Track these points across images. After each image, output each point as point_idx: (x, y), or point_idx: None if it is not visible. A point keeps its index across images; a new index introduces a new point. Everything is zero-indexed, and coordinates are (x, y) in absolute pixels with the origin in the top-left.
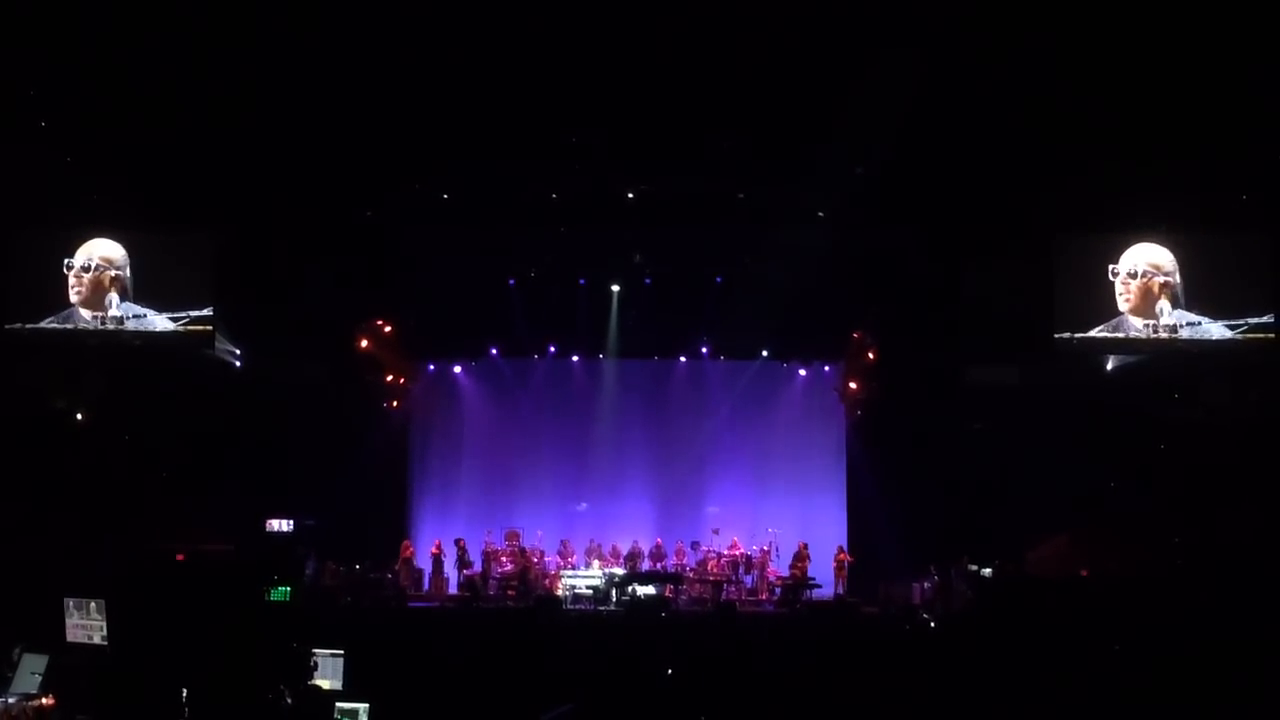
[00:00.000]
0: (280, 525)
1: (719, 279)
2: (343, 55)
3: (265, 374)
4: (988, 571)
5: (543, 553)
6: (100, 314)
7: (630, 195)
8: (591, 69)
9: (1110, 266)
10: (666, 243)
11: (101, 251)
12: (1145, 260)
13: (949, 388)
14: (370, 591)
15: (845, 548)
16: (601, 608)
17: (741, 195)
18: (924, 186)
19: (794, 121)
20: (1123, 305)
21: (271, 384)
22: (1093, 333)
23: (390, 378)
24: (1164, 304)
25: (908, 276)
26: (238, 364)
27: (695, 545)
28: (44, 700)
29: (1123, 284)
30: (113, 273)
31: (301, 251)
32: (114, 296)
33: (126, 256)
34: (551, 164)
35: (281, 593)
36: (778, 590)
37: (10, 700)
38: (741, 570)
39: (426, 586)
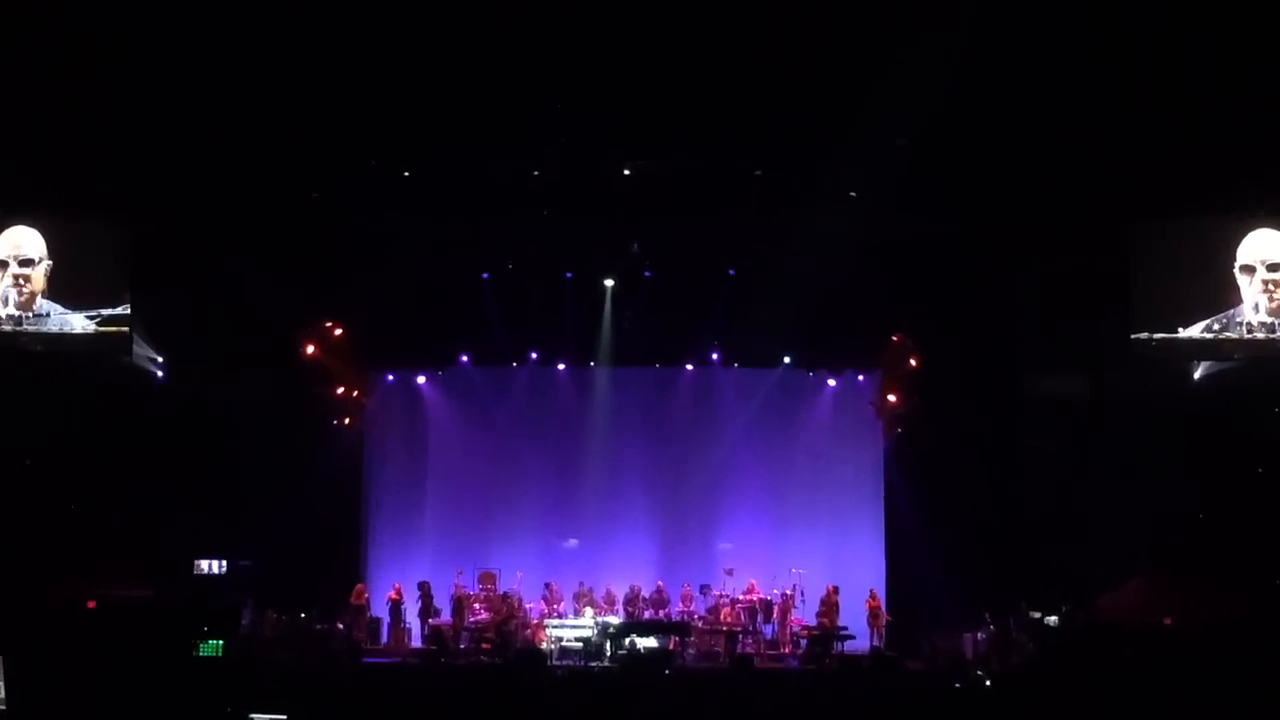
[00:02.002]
0: (211, 566)
1: (732, 272)
2: (280, 8)
3: (193, 386)
4: (1053, 619)
5: (523, 598)
6: None
7: (626, 173)
8: (578, 20)
9: (1235, 257)
10: (669, 229)
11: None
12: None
13: (1006, 400)
14: (317, 645)
15: (883, 592)
16: (594, 663)
17: (759, 173)
18: (976, 163)
19: (821, 83)
20: (1259, 302)
21: (200, 398)
22: (1186, 332)
23: (341, 390)
24: None
25: (956, 269)
26: (160, 374)
27: (705, 589)
28: None
29: (1262, 280)
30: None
31: (235, 242)
32: (11, 292)
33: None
34: (532, 135)
35: (212, 647)
36: (803, 642)
37: None
38: (760, 619)
39: (385, 639)
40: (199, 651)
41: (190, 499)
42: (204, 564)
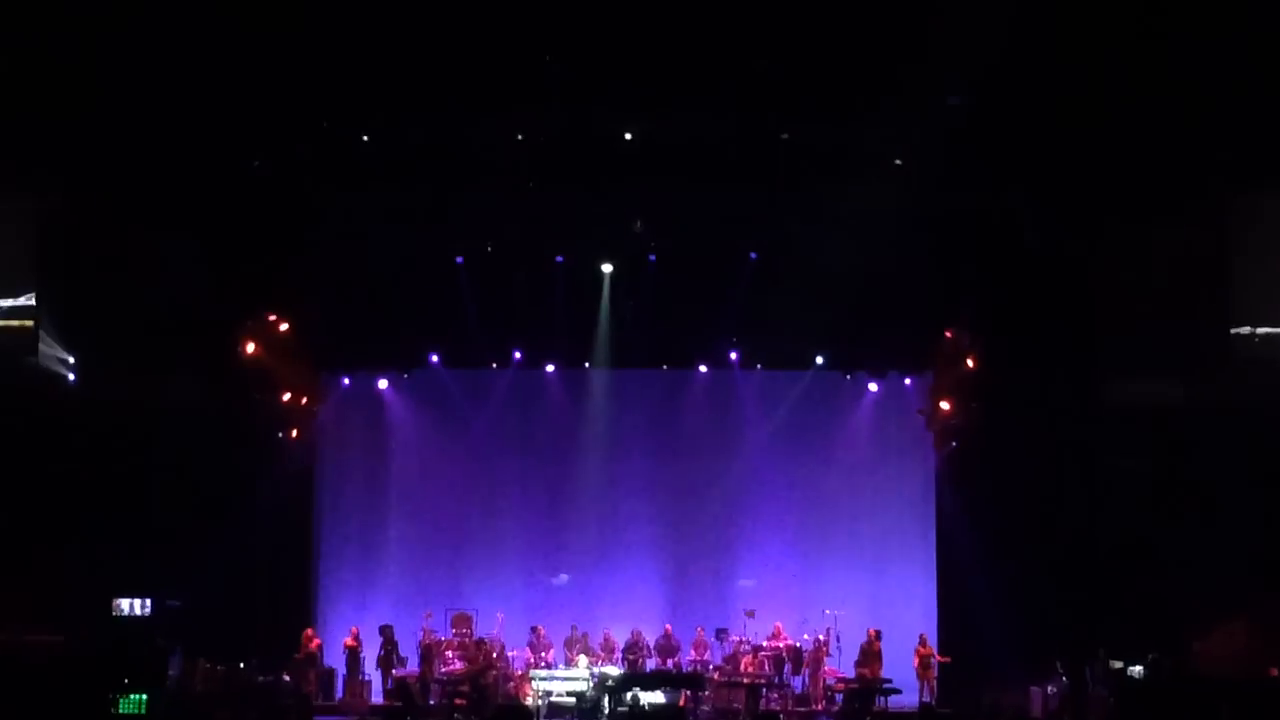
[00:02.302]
0: (133, 606)
1: (754, 255)
2: None
3: (111, 392)
4: (1137, 670)
5: (504, 645)
6: None
7: (628, 136)
8: None
9: None
10: (680, 204)
11: None
12: None
13: (1082, 408)
14: (259, 701)
15: (934, 637)
16: None
17: (786, 136)
18: (1045, 125)
19: (861, 27)
20: None
21: (121, 406)
22: None
23: (288, 397)
24: None
25: (1022, 252)
26: (72, 376)
27: (722, 634)
28: None
29: None
30: None
31: (160, 221)
32: None
33: None
34: (516, 92)
35: (134, 703)
36: (838, 698)
37: None
38: (788, 670)
39: (340, 694)
40: (118, 708)
41: (108, 526)
42: (125, 603)
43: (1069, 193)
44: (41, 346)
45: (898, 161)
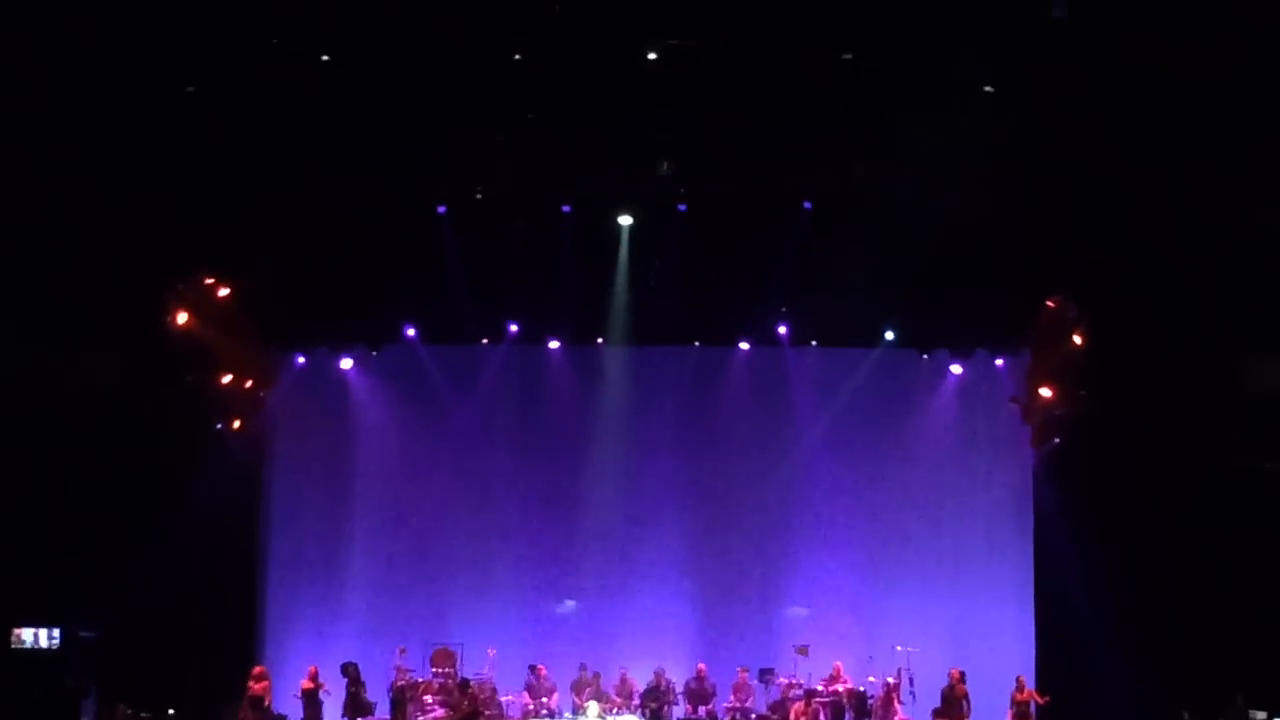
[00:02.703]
0: (37, 637)
1: (809, 205)
2: None
3: (9, 372)
4: None
5: (497, 688)
6: None
7: (652, 56)
8: None
9: None
10: (717, 140)
11: None
12: None
13: (1215, 398)
14: None
15: (1032, 679)
16: None
17: (849, 57)
18: (1172, 44)
19: None
20: None
21: (20, 390)
22: None
23: (229, 378)
24: None
25: (1144, 205)
26: None
27: (767, 676)
28: None
29: None
30: None
31: (71, 163)
32: None
33: None
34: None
35: None
36: None
37: None
38: (850, 719)
39: None
40: None
41: (6, 538)
42: (27, 634)
43: (1203, 129)
44: None
45: (988, 88)
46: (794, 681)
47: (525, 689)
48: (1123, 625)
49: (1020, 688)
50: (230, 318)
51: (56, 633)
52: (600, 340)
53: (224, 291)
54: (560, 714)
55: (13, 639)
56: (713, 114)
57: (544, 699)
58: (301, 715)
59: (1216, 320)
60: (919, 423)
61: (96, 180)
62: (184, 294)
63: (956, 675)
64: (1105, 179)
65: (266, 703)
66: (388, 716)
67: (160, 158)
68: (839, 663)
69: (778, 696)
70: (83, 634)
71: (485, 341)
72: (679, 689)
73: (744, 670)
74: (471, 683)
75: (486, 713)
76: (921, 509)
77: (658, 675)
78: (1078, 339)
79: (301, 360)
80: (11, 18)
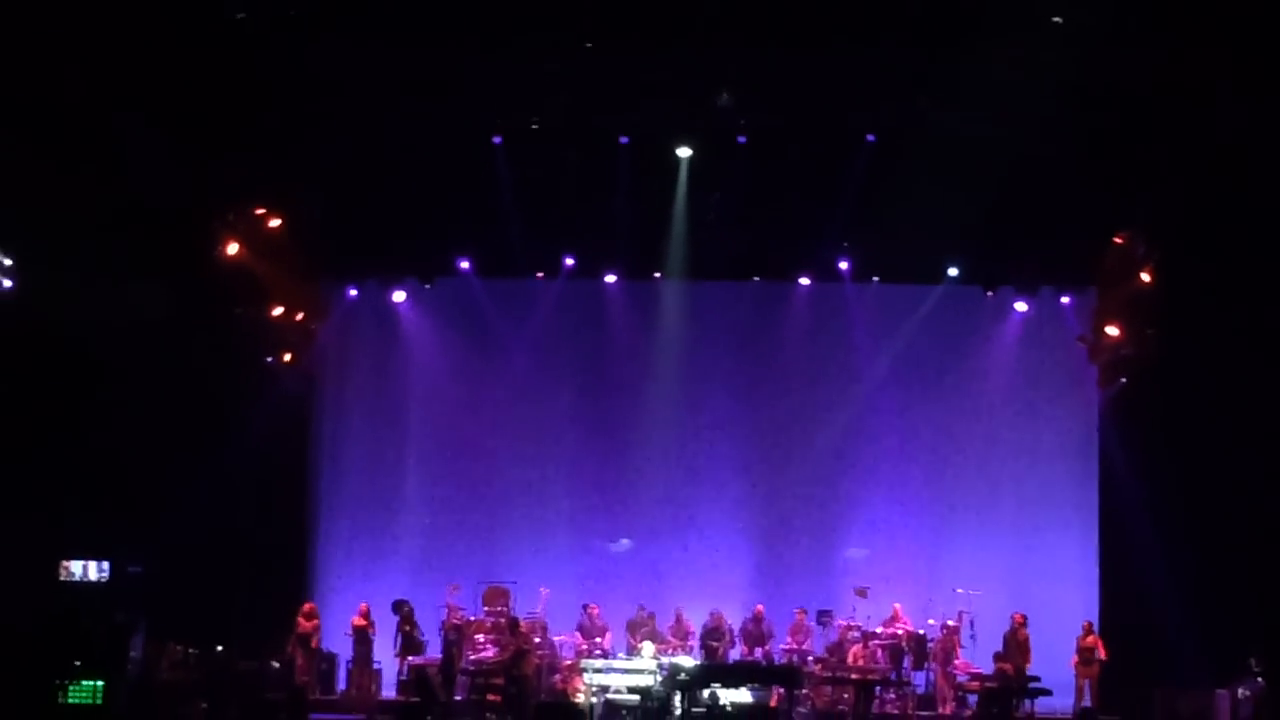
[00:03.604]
0: (86, 571)
1: (872, 138)
2: None
3: (56, 303)
4: None
5: (549, 627)
6: None
7: None
8: None
9: None
10: (778, 70)
11: None
12: None
13: None
14: (242, 693)
15: (1096, 626)
16: None
17: None
18: None
19: None
20: None
21: (70, 322)
22: None
23: (280, 311)
24: None
25: (1217, 137)
26: (8, 284)
27: (825, 618)
28: None
29: None
30: None
31: (117, 90)
32: None
33: None
34: None
35: (87, 690)
36: (972, 700)
37: None
38: (908, 663)
39: (343, 685)
40: (67, 697)
41: (56, 470)
42: (75, 567)
43: (1277, 58)
44: None
45: (1056, 19)
46: (852, 624)
47: (578, 629)
48: (1190, 569)
49: (1086, 632)
50: (281, 249)
51: (105, 566)
52: (658, 275)
53: (275, 222)
54: (614, 654)
55: (62, 572)
56: (774, 44)
57: (597, 639)
58: (351, 653)
59: None
60: (982, 361)
61: (146, 110)
62: (234, 224)
63: (1018, 619)
64: (1175, 112)
65: (316, 640)
66: (439, 655)
67: (210, 86)
68: (898, 605)
69: (835, 639)
70: (131, 568)
71: (540, 274)
72: (736, 630)
73: (802, 612)
74: (522, 622)
75: (537, 653)
76: (983, 449)
77: (715, 616)
78: (1146, 276)
79: (353, 293)
80: None
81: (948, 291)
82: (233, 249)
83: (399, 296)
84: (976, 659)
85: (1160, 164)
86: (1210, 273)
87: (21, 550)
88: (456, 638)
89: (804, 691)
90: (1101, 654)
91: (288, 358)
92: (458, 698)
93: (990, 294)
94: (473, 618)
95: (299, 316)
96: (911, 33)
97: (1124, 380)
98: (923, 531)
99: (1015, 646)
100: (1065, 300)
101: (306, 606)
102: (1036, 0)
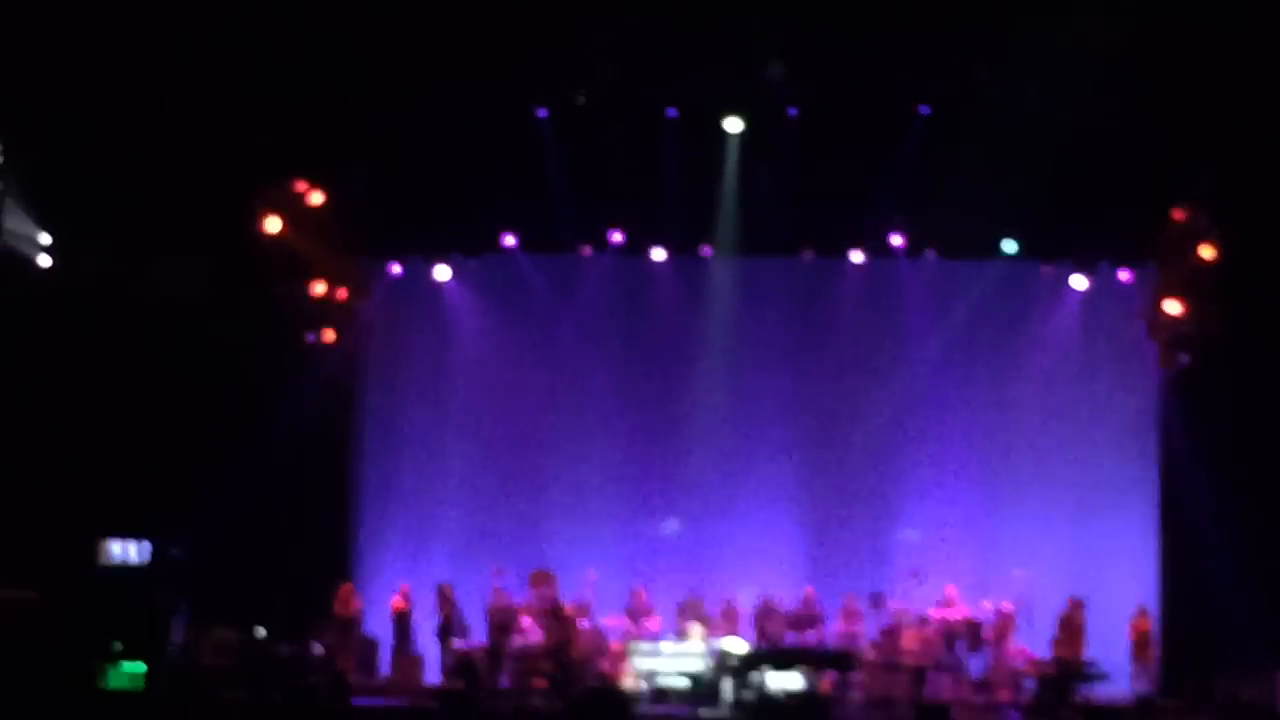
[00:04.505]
0: (126, 552)
1: (926, 110)
2: None
3: (92, 279)
4: None
5: (596, 611)
6: None
7: None
8: None
9: None
10: (830, 41)
11: None
12: None
13: None
14: (283, 677)
15: (1156, 609)
16: (705, 711)
17: None
18: None
19: None
20: None
21: (106, 298)
22: None
23: (322, 289)
24: None
25: (1277, 112)
26: (42, 259)
27: (878, 600)
28: None
29: None
30: None
31: (156, 60)
32: None
33: None
34: None
35: (127, 675)
36: (1028, 684)
37: None
38: (963, 647)
39: (385, 670)
40: (107, 681)
41: (94, 449)
42: (115, 548)
43: None
44: (3, 221)
45: None
46: (906, 608)
47: (626, 613)
48: (1253, 551)
49: (1141, 617)
50: (323, 224)
51: (146, 547)
52: (707, 250)
53: (317, 197)
54: (663, 638)
55: (102, 554)
56: (825, 13)
57: (645, 623)
58: (393, 637)
59: None
60: (1039, 338)
61: (186, 82)
62: (275, 199)
63: (1075, 603)
64: (1236, 83)
65: (357, 624)
66: (484, 640)
67: (251, 59)
68: (952, 588)
69: (889, 623)
70: (173, 551)
71: (587, 250)
72: (787, 613)
73: (853, 595)
74: (568, 606)
75: (585, 638)
76: (1040, 429)
77: (765, 600)
78: (1208, 252)
79: (397, 270)
80: None
81: (1003, 267)
82: (274, 225)
83: (443, 272)
84: (1033, 644)
85: (1221, 137)
86: (1274, 248)
87: (61, 531)
88: (502, 622)
89: (856, 676)
90: (1157, 639)
91: (329, 336)
92: (502, 683)
93: (1047, 269)
94: (518, 602)
95: (341, 294)
96: (966, 2)
97: (1186, 359)
98: (978, 513)
99: (1072, 631)
100: (1125, 276)
101: (347, 589)
102: None
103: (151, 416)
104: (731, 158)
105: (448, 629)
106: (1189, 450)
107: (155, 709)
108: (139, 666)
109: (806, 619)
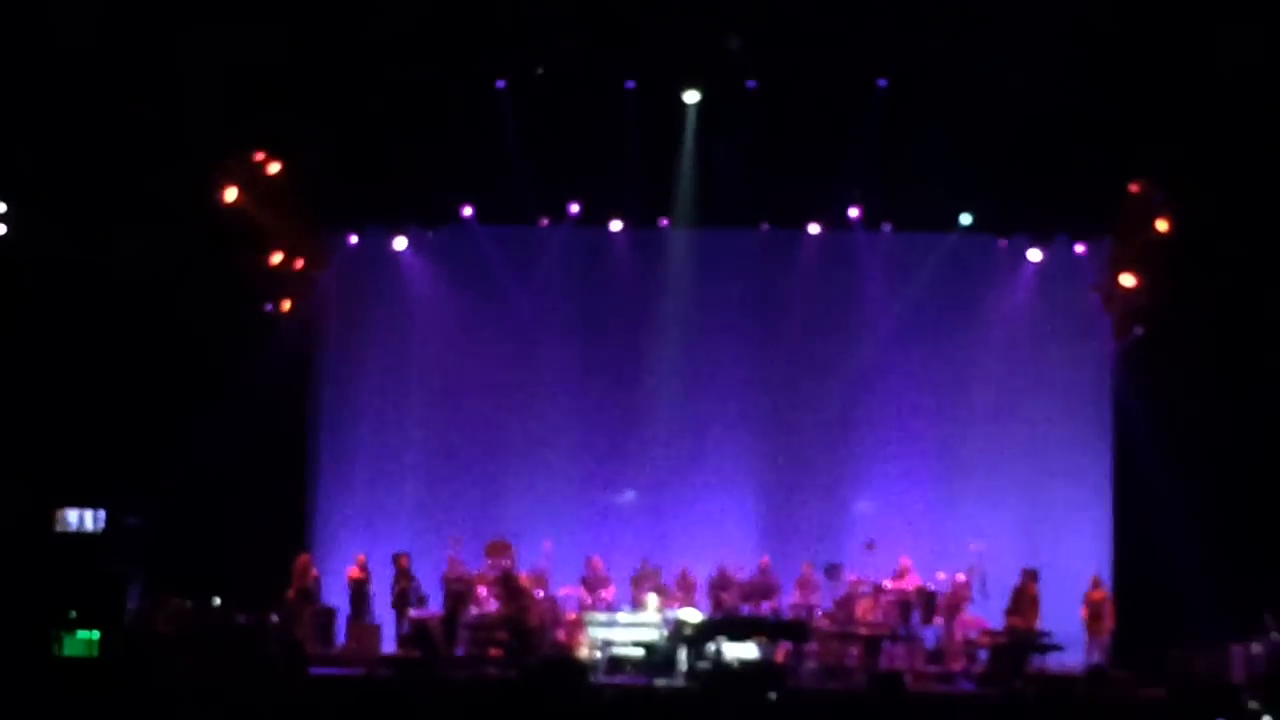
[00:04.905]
0: (83, 521)
1: (883, 83)
2: None
3: (49, 248)
4: None
5: (552, 581)
6: None
7: None
8: None
9: None
10: (788, 13)
11: None
12: None
13: None
14: (240, 647)
15: (1109, 581)
16: (660, 681)
17: None
18: None
19: None
20: None
21: (64, 268)
22: None
23: (279, 258)
24: None
25: (1238, 81)
26: (1, 229)
27: (833, 571)
28: None
29: None
30: None
31: (112, 24)
32: None
33: None
34: None
35: (82, 643)
36: (981, 655)
37: None
38: (917, 618)
39: (342, 639)
40: (61, 648)
41: (50, 417)
42: (71, 516)
43: None
44: None
45: None
46: (861, 578)
47: (582, 583)
48: (1205, 525)
49: (1095, 587)
50: (281, 194)
51: (102, 515)
52: (664, 222)
53: (275, 167)
54: (619, 608)
55: (57, 521)
56: None
57: (601, 593)
58: (350, 606)
59: None
60: (995, 310)
61: (145, 52)
62: (233, 169)
63: (1028, 575)
64: (1191, 57)
65: (314, 594)
66: (440, 609)
67: (210, 29)
68: (906, 559)
69: (843, 593)
70: (128, 520)
71: (546, 222)
72: (742, 583)
73: (809, 565)
74: (524, 575)
75: (541, 607)
76: (996, 401)
77: (721, 570)
78: (1163, 224)
79: (354, 240)
80: None
81: (960, 240)
82: (231, 194)
83: (400, 243)
84: (986, 614)
85: (1178, 111)
86: (1228, 222)
87: (17, 499)
88: (458, 591)
89: (811, 646)
90: (1108, 616)
91: (287, 306)
92: (458, 652)
93: (1003, 242)
94: (474, 571)
95: (298, 264)
96: None
97: (1139, 331)
98: (933, 484)
99: (1025, 601)
100: (1080, 249)
101: (303, 559)
102: None
103: (108, 385)
104: (690, 130)
105: (404, 599)
106: (1142, 422)
107: (110, 676)
108: (94, 634)
109: (762, 589)
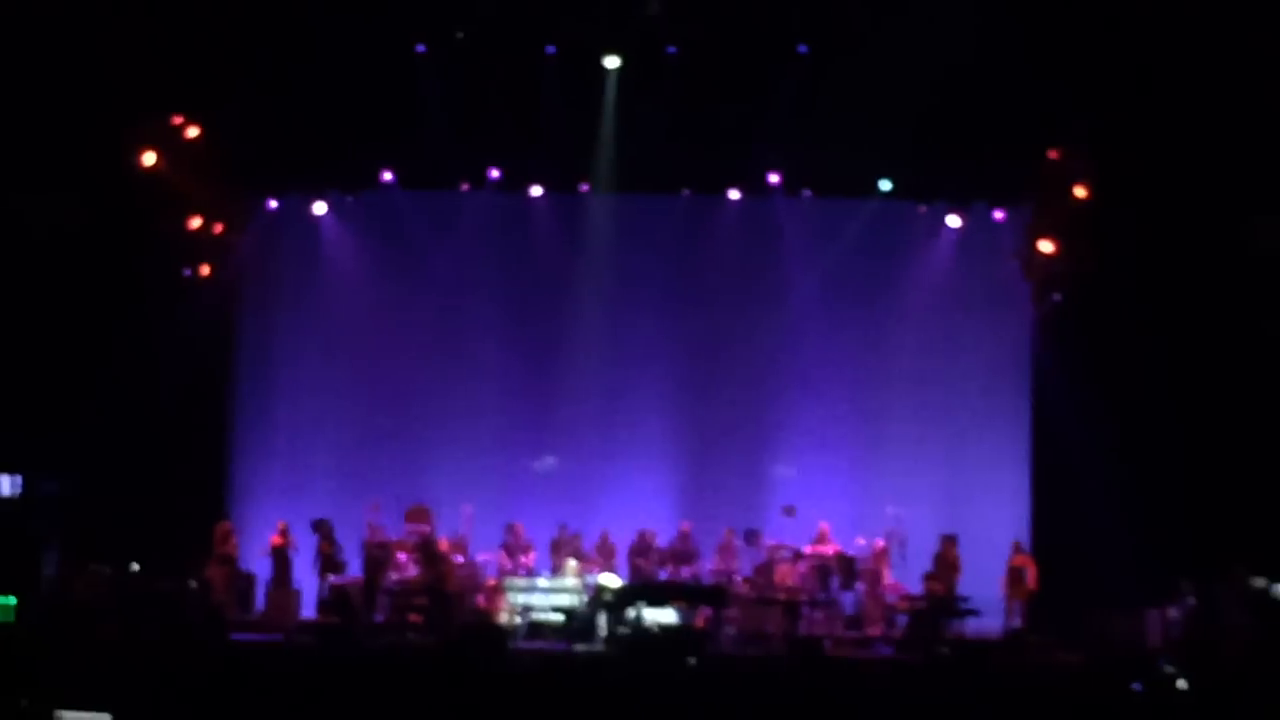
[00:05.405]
0: None
1: (804, 48)
2: None
3: None
4: None
5: (472, 546)
6: None
7: None
8: None
9: None
10: None
11: None
12: None
13: (1225, 256)
14: (158, 613)
15: (1027, 546)
16: (580, 646)
17: None
18: None
19: None
20: None
21: None
22: None
23: (198, 223)
24: None
25: (1157, 49)
26: None
27: (752, 536)
28: None
29: None
30: None
31: None
32: None
33: None
34: None
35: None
36: (900, 620)
37: None
38: (836, 583)
39: (261, 605)
40: None
41: None
42: None
43: None
44: None
45: None
46: (780, 544)
47: (502, 548)
48: (1122, 490)
49: (1016, 552)
50: (199, 159)
51: (18, 481)
52: (585, 187)
53: (193, 131)
54: (539, 573)
55: None
56: None
57: (521, 558)
58: (270, 573)
59: (1227, 175)
60: (914, 276)
61: (61, 13)
62: (151, 133)
63: (948, 541)
64: (1111, 24)
65: (233, 560)
66: (360, 574)
67: None
68: (826, 524)
69: (763, 559)
70: (44, 484)
71: (465, 187)
72: (662, 549)
73: (730, 531)
74: (444, 541)
75: (460, 572)
76: (914, 366)
77: (641, 535)
78: (1081, 192)
79: (274, 204)
80: None
81: (880, 206)
82: (149, 159)
83: (320, 208)
84: (906, 579)
85: (1097, 78)
86: (1146, 189)
87: None
88: (378, 557)
89: (730, 612)
90: (1030, 579)
91: (206, 271)
92: (378, 618)
93: (923, 209)
94: (394, 537)
95: (217, 228)
96: None
97: (1058, 297)
98: (852, 449)
99: (945, 566)
100: (999, 215)
101: (223, 525)
102: None
103: (24, 350)
104: (610, 95)
105: (325, 564)
106: (1061, 387)
107: (26, 642)
108: (9, 599)
109: (682, 554)
